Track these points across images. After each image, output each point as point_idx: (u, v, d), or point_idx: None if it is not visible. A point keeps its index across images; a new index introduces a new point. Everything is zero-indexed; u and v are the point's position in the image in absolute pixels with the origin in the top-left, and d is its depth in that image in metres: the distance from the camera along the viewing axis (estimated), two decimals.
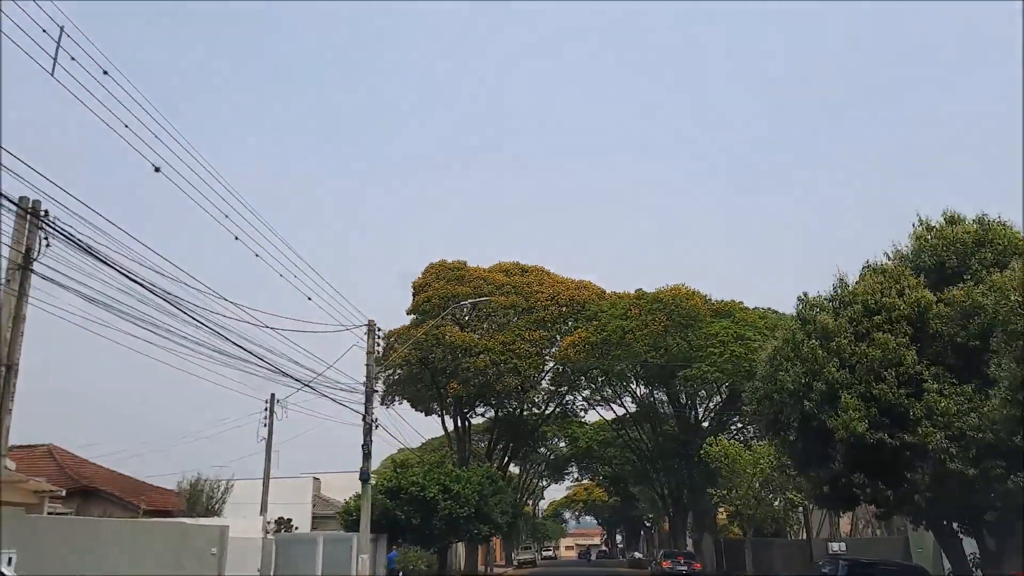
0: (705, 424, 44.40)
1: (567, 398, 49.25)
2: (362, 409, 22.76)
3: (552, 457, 67.10)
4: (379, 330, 23.55)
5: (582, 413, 52.06)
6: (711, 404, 44.37)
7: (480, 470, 34.36)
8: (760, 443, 32.24)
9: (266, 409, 27.00)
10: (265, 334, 22.15)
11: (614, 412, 50.62)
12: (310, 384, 22.61)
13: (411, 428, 58.50)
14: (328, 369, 22.94)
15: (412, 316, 41.89)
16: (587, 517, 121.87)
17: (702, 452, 33.03)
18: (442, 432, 48.06)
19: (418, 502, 30.81)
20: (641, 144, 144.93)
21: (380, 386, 40.36)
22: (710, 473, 39.96)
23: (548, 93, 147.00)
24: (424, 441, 56.77)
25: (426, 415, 46.69)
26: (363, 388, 22.99)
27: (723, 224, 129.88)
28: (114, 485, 35.75)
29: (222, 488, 28.80)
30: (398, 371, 41.03)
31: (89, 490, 32.74)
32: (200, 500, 27.47)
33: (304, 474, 52.06)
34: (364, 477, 22.60)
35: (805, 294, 17.78)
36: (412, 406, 45.11)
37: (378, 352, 23.75)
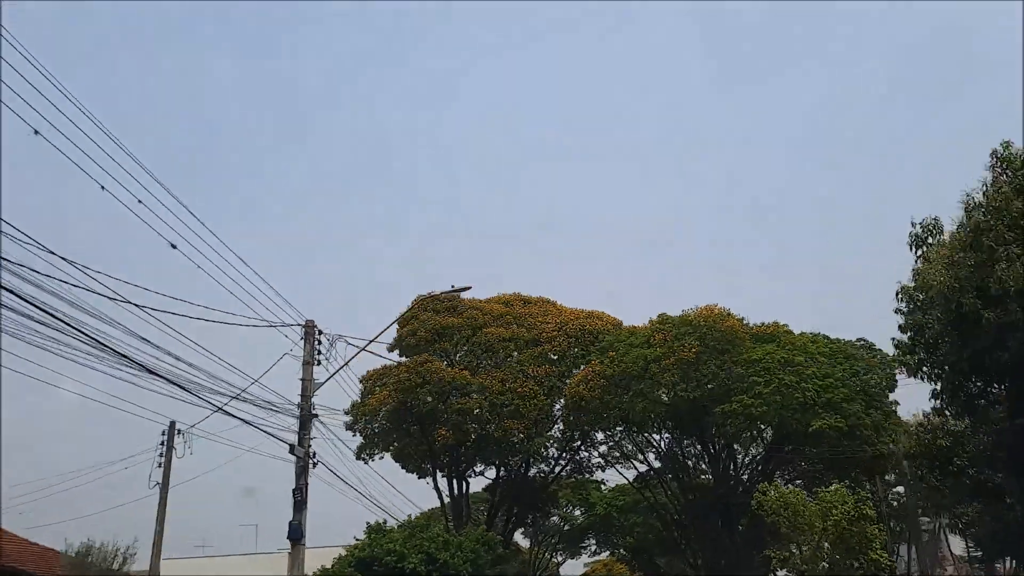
0: (745, 476, 37.47)
1: (581, 454, 42.66)
2: (295, 439, 16.52)
3: (566, 527, 59.68)
4: (320, 333, 17.47)
5: (598, 471, 45.16)
6: (752, 450, 37.55)
7: (475, 534, 27.77)
8: (826, 490, 25.50)
9: (163, 443, 20.45)
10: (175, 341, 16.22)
11: (635, 469, 44.05)
12: (224, 408, 16.53)
13: (402, 495, 50.85)
14: (252, 385, 16.91)
15: (395, 353, 35.76)
16: None
17: (753, 502, 26.25)
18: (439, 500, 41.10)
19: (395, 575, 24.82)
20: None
21: (354, 435, 34.06)
22: (756, 534, 33.11)
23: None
24: (421, 512, 49.97)
25: (419, 477, 40.19)
26: (299, 410, 16.81)
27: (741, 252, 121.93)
28: (43, 565, 31.11)
29: (119, 558, 22.08)
30: (379, 419, 34.64)
31: (6, 570, 28.68)
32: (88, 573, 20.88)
33: (281, 549, 45.78)
34: (294, 535, 16.10)
35: (1008, 143, 11.25)
36: (401, 465, 38.64)
37: (321, 366, 17.60)
